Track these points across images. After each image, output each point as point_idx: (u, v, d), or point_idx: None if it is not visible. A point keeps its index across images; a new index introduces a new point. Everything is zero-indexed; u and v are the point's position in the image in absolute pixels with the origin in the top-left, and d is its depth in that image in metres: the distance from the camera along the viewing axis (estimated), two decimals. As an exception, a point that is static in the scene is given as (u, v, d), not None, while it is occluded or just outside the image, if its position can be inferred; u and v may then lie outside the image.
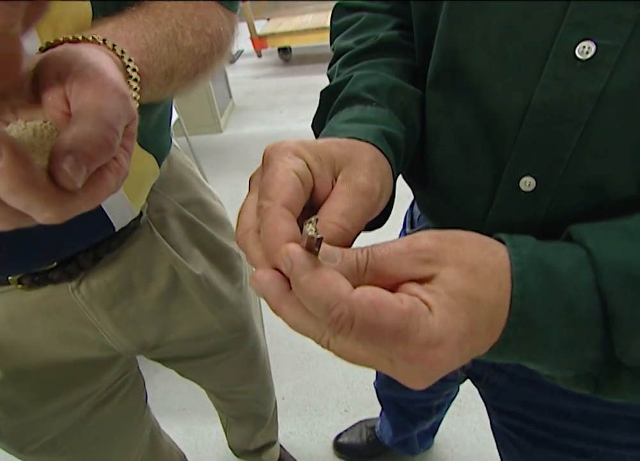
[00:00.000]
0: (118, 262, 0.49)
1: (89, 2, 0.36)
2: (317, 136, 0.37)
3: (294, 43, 3.57)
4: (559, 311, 0.23)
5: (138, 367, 0.67)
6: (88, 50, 0.26)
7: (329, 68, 0.43)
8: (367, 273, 0.22)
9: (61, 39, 0.29)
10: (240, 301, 0.65)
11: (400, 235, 0.66)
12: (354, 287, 0.22)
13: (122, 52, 0.30)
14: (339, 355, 0.24)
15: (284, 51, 3.80)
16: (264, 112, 3.02)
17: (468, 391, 1.11)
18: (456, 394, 0.94)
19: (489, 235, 0.27)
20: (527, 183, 0.32)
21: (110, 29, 0.33)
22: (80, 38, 0.29)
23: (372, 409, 1.22)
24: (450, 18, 0.33)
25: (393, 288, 0.23)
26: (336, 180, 0.27)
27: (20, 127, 0.23)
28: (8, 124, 0.23)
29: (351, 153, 0.28)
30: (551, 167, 0.31)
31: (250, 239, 0.25)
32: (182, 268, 0.54)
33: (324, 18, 3.51)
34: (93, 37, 0.30)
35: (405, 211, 0.63)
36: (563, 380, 0.27)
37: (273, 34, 3.48)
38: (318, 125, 0.38)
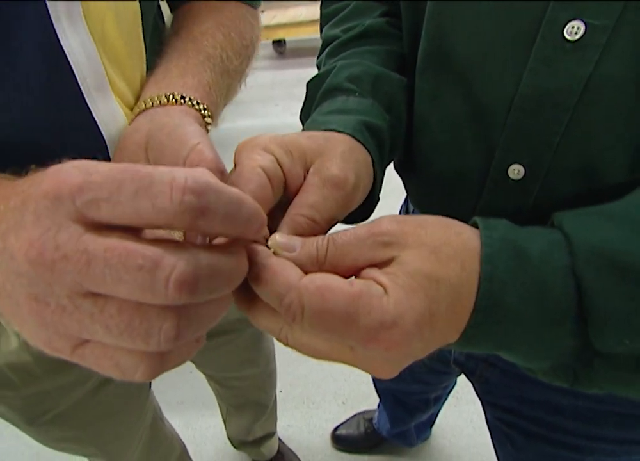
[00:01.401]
0: None
1: (137, 3, 0.38)
2: (303, 128, 0.37)
3: (288, 35, 3.54)
4: (530, 294, 0.22)
5: None
6: (185, 129, 0.30)
7: (317, 57, 0.43)
8: (328, 261, 0.22)
9: (150, 102, 0.36)
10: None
11: None
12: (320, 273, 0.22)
13: (198, 103, 0.36)
14: (300, 350, 0.24)
15: (278, 44, 3.77)
16: (258, 105, 3.01)
17: (464, 383, 1.11)
18: (453, 386, 0.94)
19: None
20: (516, 171, 0.32)
21: (176, 77, 0.38)
22: (165, 99, 0.35)
23: (370, 401, 1.23)
24: (437, 3, 0.32)
25: (356, 275, 0.23)
26: (307, 173, 0.27)
27: None
28: None
29: (324, 146, 0.28)
30: (539, 154, 0.30)
31: None
32: None
33: (318, 11, 3.48)
34: (175, 97, 0.36)
35: (400, 205, 0.62)
36: (542, 373, 0.27)
37: (267, 27, 3.45)
38: (305, 117, 0.38)
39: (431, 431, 1.14)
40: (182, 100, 0.36)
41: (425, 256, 0.22)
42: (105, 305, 0.17)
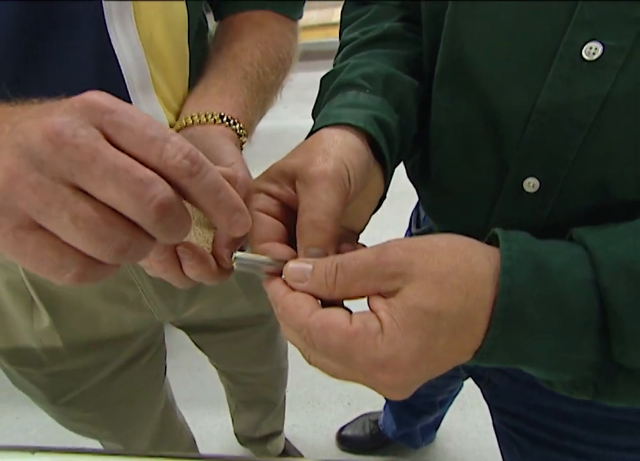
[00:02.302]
0: None
1: (184, 5, 0.40)
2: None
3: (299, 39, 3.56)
4: (550, 306, 0.23)
5: (163, 337, 0.70)
6: (221, 149, 0.33)
7: (334, 59, 0.43)
8: (337, 287, 0.24)
9: (190, 120, 0.38)
10: None
11: (405, 234, 0.66)
12: (330, 298, 0.24)
13: (234, 123, 0.38)
14: (321, 369, 0.25)
15: (289, 47, 3.79)
16: (268, 108, 3.02)
17: (470, 387, 1.11)
18: (460, 390, 0.95)
19: None
20: (531, 184, 0.32)
21: (215, 95, 0.40)
22: (204, 118, 0.38)
23: (375, 403, 1.23)
24: (455, 17, 0.32)
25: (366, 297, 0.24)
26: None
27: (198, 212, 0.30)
28: None
29: (299, 155, 0.28)
30: (555, 169, 0.30)
31: None
32: None
33: (330, 15, 3.49)
34: (213, 116, 0.38)
35: (412, 208, 0.63)
36: (561, 385, 0.27)
37: (278, 30, 3.47)
38: (316, 112, 0.38)
39: (436, 433, 1.14)
40: (220, 120, 0.38)
41: (428, 289, 0.23)
42: (84, 200, 0.19)
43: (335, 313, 0.23)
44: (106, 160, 0.18)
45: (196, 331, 0.71)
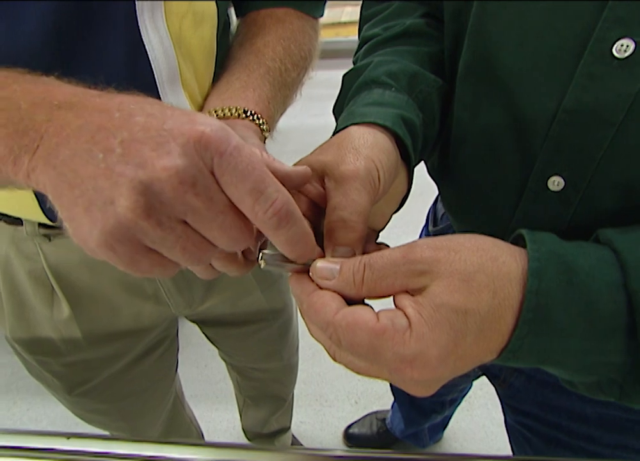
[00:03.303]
0: None
1: (213, 2, 0.41)
2: (336, 120, 0.37)
3: (309, 37, 3.56)
4: (578, 309, 0.23)
5: (177, 331, 0.71)
6: (245, 140, 0.33)
7: (355, 55, 0.43)
8: (365, 285, 0.24)
9: (214, 114, 0.38)
10: (287, 287, 0.69)
11: (422, 231, 0.66)
12: (357, 298, 0.24)
13: (258, 117, 0.39)
14: (346, 366, 0.26)
15: (298, 46, 3.79)
16: (277, 106, 3.02)
17: (478, 387, 1.11)
18: (469, 390, 0.94)
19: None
20: (556, 183, 0.31)
21: (238, 90, 0.41)
22: (229, 112, 0.38)
23: (383, 401, 1.23)
24: (483, 13, 0.32)
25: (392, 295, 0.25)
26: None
27: None
28: None
29: (328, 152, 0.29)
30: (581, 167, 0.30)
31: None
32: None
33: (339, 14, 3.49)
34: (237, 110, 0.38)
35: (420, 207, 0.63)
36: (585, 387, 0.27)
37: (288, 29, 3.48)
38: (338, 110, 0.39)
39: (443, 433, 1.14)
40: (244, 115, 0.38)
41: (455, 287, 0.23)
42: (192, 233, 0.22)
43: (361, 311, 0.23)
44: (217, 209, 0.21)
45: (210, 325, 0.71)
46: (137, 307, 0.56)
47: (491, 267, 0.23)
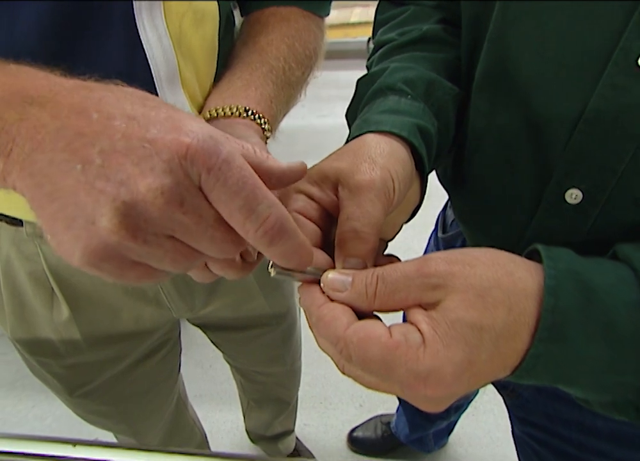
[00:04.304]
0: None
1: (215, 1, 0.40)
2: (349, 126, 0.37)
3: (318, 38, 3.56)
4: (596, 328, 0.22)
5: (179, 334, 0.70)
6: (245, 139, 0.32)
7: (368, 59, 0.43)
8: (377, 299, 0.23)
9: (215, 112, 0.37)
10: (291, 291, 0.69)
11: (430, 237, 0.65)
12: (368, 311, 0.24)
13: (260, 117, 0.38)
14: (355, 379, 0.25)
15: (307, 46, 3.79)
16: (285, 106, 3.03)
17: (484, 393, 1.11)
18: (475, 395, 0.94)
19: (528, 247, 0.26)
20: (573, 196, 0.31)
21: (240, 89, 0.39)
22: (229, 111, 0.37)
23: (387, 405, 1.22)
24: (503, 19, 0.31)
25: (404, 311, 0.24)
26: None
27: None
28: None
29: (344, 159, 0.28)
30: (601, 180, 0.29)
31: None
32: None
33: (348, 15, 3.49)
34: (238, 109, 0.37)
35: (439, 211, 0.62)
36: (600, 405, 0.26)
37: (297, 29, 3.48)
38: (351, 115, 0.38)
39: (448, 438, 1.13)
40: (245, 114, 0.37)
41: (470, 302, 0.22)
42: (180, 245, 0.21)
43: (373, 325, 0.22)
44: (207, 224, 0.20)
45: (212, 329, 0.71)
46: (137, 310, 0.55)
47: (507, 282, 0.23)
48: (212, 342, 0.76)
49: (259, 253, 0.28)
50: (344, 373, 0.25)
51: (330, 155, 0.30)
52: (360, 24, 3.27)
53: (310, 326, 0.26)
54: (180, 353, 0.73)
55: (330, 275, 0.25)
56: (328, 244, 0.28)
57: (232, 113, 0.37)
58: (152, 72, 0.37)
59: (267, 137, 0.39)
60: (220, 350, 0.79)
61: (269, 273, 0.25)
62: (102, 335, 0.55)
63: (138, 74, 0.37)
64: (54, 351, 0.54)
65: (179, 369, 0.74)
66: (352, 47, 3.36)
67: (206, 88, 0.43)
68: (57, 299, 0.51)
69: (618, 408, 0.25)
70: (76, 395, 0.58)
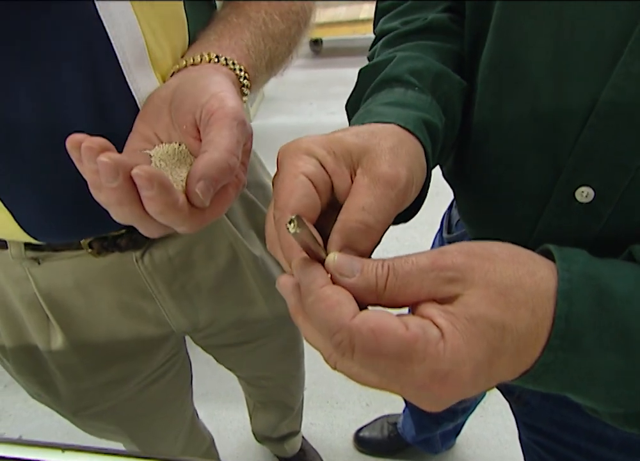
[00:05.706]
0: (181, 236, 0.50)
1: None
2: (349, 118, 0.35)
3: (326, 35, 3.54)
4: (611, 337, 0.21)
5: (186, 350, 0.69)
6: (210, 79, 0.31)
7: (370, 49, 0.41)
8: (387, 291, 0.21)
9: (185, 63, 0.35)
10: None
11: (435, 237, 0.64)
12: (374, 304, 0.21)
13: (233, 63, 0.35)
14: (348, 376, 0.23)
15: (315, 43, 3.77)
16: (293, 103, 3.02)
17: (492, 394, 1.09)
18: (482, 398, 0.92)
19: (536, 247, 0.25)
20: (584, 194, 0.29)
21: (214, 40, 0.37)
22: (199, 58, 0.35)
23: (394, 405, 1.21)
24: (510, 6, 0.30)
25: (414, 307, 0.22)
26: (355, 174, 0.25)
27: (162, 148, 0.30)
28: (154, 146, 0.31)
29: (370, 141, 0.25)
30: (613, 177, 0.28)
31: (277, 251, 0.25)
32: (242, 247, 0.54)
33: (357, 11, 3.46)
34: (209, 56, 0.35)
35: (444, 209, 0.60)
36: (610, 416, 0.25)
37: (305, 26, 3.46)
38: (352, 106, 0.36)
39: (455, 440, 1.12)
40: (217, 59, 0.34)
41: (492, 299, 0.20)
42: None
43: (384, 315, 0.20)
44: None
45: (214, 348, 0.69)
46: (137, 330, 0.53)
47: (529, 282, 0.21)
48: (215, 359, 0.73)
49: (214, 199, 0.26)
50: (334, 368, 0.23)
51: (349, 129, 0.27)
52: (369, 20, 3.24)
53: (296, 313, 0.23)
54: (191, 368, 0.71)
55: (338, 257, 0.22)
56: (324, 224, 0.25)
57: (201, 60, 0.34)
58: (116, 52, 0.33)
59: (245, 86, 0.36)
60: (224, 365, 0.76)
61: (288, 228, 0.21)
62: (102, 358, 0.53)
63: (99, 55, 0.33)
64: (52, 379, 0.52)
65: (191, 383, 0.72)
66: (361, 43, 3.34)
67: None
68: (52, 326, 0.49)
69: (628, 420, 0.24)
70: (80, 416, 0.57)
